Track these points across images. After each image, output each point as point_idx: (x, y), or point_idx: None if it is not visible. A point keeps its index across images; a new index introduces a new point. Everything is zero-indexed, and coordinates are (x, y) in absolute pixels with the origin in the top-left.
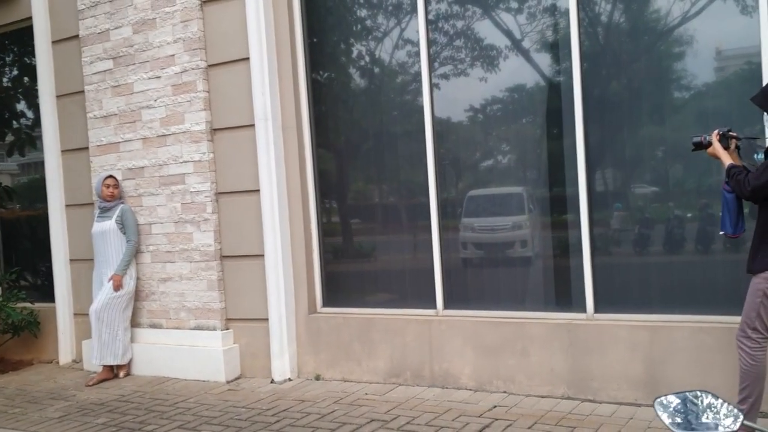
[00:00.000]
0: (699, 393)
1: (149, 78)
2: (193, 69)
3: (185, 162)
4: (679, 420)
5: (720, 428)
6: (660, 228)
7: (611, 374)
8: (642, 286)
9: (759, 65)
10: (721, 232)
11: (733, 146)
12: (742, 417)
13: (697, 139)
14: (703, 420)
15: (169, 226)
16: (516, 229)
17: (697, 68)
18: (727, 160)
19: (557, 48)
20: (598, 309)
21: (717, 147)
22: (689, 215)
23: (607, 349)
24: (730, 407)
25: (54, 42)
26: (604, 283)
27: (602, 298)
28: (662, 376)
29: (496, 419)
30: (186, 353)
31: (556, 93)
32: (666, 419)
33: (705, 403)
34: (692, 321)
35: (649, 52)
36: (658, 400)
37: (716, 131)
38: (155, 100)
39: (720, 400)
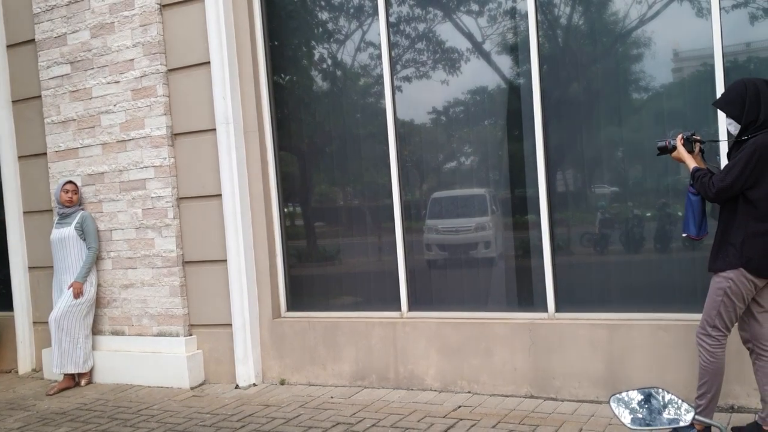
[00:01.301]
0: (653, 390)
1: (108, 83)
2: (153, 73)
3: (146, 167)
4: (633, 416)
5: (673, 423)
6: (619, 228)
7: (572, 372)
8: (602, 285)
9: (713, 66)
10: (684, 234)
11: (697, 149)
12: (694, 412)
13: (661, 144)
14: (657, 415)
15: (130, 232)
16: (479, 231)
17: (655, 70)
18: (691, 163)
19: (517, 50)
20: (559, 308)
21: (681, 151)
22: (648, 215)
23: (568, 348)
24: (683, 403)
25: (9, 46)
26: (565, 282)
27: (563, 297)
28: (622, 374)
29: (461, 419)
30: (149, 360)
31: (516, 95)
32: (621, 415)
33: (659, 399)
34: (651, 319)
35: (607, 54)
36: (614, 396)
37: (680, 135)
38: (115, 105)
39: (673, 396)
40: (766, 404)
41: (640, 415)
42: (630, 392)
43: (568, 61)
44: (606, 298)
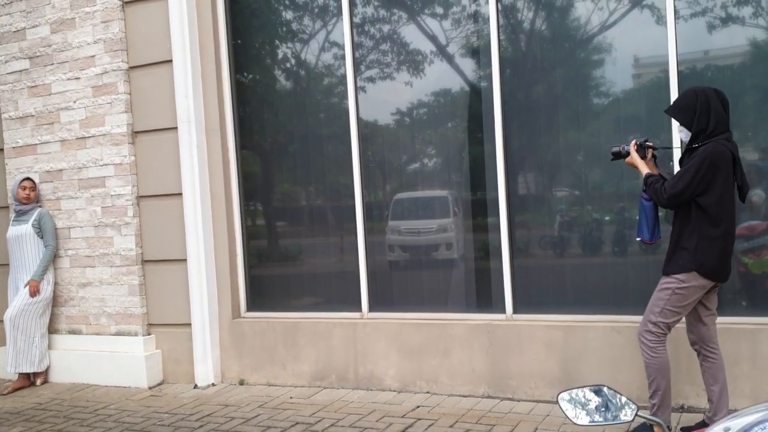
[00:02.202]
0: (599, 387)
1: (68, 79)
2: (114, 70)
3: (105, 165)
4: (579, 412)
5: (616, 420)
6: (577, 231)
7: (528, 373)
8: (559, 288)
9: (668, 74)
10: (638, 238)
11: (649, 155)
12: (637, 409)
13: (615, 149)
14: (602, 411)
15: (88, 230)
16: (441, 232)
17: (614, 76)
18: (644, 169)
19: (479, 54)
20: (516, 310)
21: (635, 156)
22: (605, 219)
23: (524, 349)
24: (627, 400)
25: None
26: (523, 284)
27: (521, 299)
28: (576, 374)
29: (419, 419)
30: (107, 359)
31: (477, 98)
32: (567, 412)
33: (605, 396)
34: (605, 321)
35: (567, 60)
36: (561, 394)
37: (633, 141)
38: (74, 102)
39: (617, 393)
40: (713, 404)
41: (585, 412)
42: (577, 390)
43: (530, 65)
44: (563, 300)
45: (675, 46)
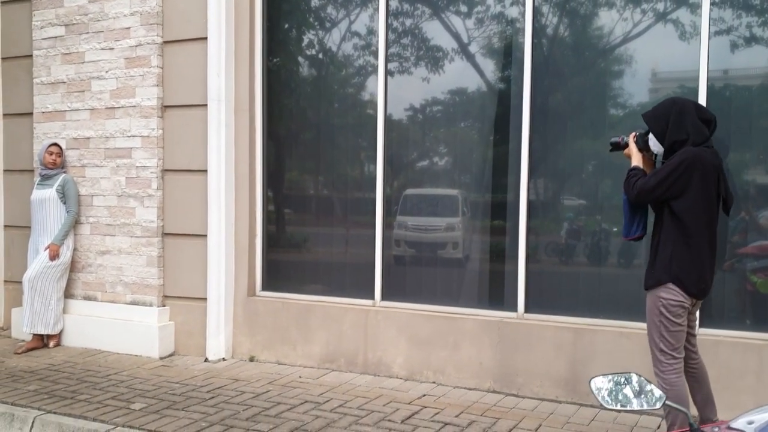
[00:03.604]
0: (629, 375)
1: (102, 48)
2: (148, 44)
3: (133, 136)
4: (610, 397)
5: (645, 406)
6: (591, 237)
7: (536, 371)
8: (570, 291)
9: (694, 89)
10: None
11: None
12: (665, 397)
13: (615, 140)
14: (631, 398)
15: (111, 199)
16: (449, 231)
17: (637, 88)
18: (634, 161)
19: (510, 56)
20: (528, 309)
21: (632, 148)
22: (617, 228)
23: (533, 348)
24: (655, 388)
25: (3, 2)
26: (536, 285)
27: (533, 299)
28: (583, 375)
29: (425, 407)
30: (120, 327)
31: (506, 99)
32: (597, 394)
33: (633, 384)
34: (614, 326)
35: (593, 67)
36: (593, 379)
37: (634, 133)
38: (106, 72)
39: (647, 382)
40: (698, 413)
41: (615, 397)
42: (609, 375)
43: (560, 70)
44: (573, 303)
45: (707, 60)
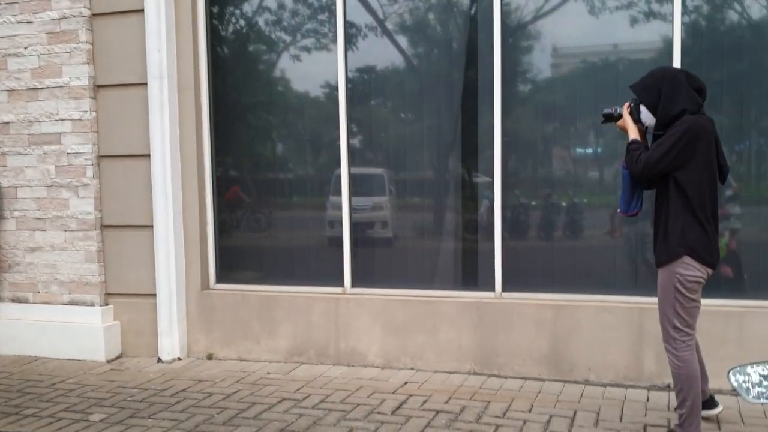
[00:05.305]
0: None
1: (18, 22)
2: (74, 16)
3: (62, 120)
4: (753, 389)
5: None
6: (567, 212)
7: (516, 350)
8: (548, 268)
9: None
10: (618, 211)
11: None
12: None
13: (607, 111)
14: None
15: (40, 190)
16: (377, 210)
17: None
18: (632, 134)
19: (478, 26)
20: (506, 288)
21: (627, 119)
22: (594, 201)
23: (513, 327)
24: None
25: None
26: (512, 264)
27: (510, 278)
28: (566, 352)
29: (411, 395)
30: (58, 330)
31: (474, 75)
32: (740, 389)
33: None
34: (595, 300)
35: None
36: (732, 370)
37: (628, 103)
38: (25, 48)
39: None
40: None
41: (759, 389)
42: (749, 366)
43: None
44: (551, 279)
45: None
